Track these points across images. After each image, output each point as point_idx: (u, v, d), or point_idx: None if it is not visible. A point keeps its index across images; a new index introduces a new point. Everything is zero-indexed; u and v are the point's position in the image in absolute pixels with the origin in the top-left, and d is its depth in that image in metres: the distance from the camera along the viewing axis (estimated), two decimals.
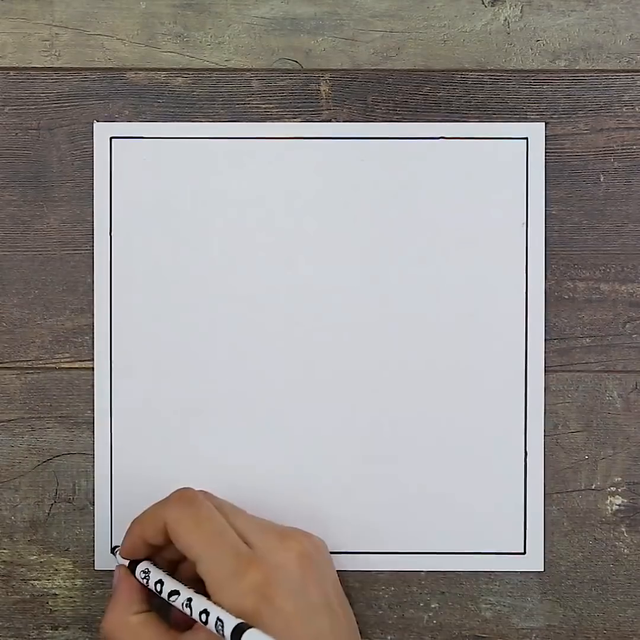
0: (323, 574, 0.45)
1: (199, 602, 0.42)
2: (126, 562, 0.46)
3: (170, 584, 0.43)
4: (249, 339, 0.48)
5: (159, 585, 0.44)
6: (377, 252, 0.48)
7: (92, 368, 0.48)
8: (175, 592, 0.43)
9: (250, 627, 0.39)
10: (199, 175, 0.48)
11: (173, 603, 0.43)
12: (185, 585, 0.43)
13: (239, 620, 0.40)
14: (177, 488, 0.45)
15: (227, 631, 0.40)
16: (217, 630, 0.40)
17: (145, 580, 0.44)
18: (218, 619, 0.40)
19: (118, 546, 0.47)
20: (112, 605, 0.45)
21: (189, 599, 0.42)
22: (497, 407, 0.48)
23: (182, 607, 0.42)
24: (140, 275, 0.48)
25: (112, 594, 0.45)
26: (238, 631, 0.39)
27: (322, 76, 0.49)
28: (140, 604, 0.45)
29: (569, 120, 0.49)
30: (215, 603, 0.41)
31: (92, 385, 0.48)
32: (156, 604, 0.45)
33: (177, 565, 0.46)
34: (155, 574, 0.44)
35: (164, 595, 0.43)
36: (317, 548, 0.45)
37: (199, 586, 0.43)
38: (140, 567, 0.45)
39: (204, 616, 0.41)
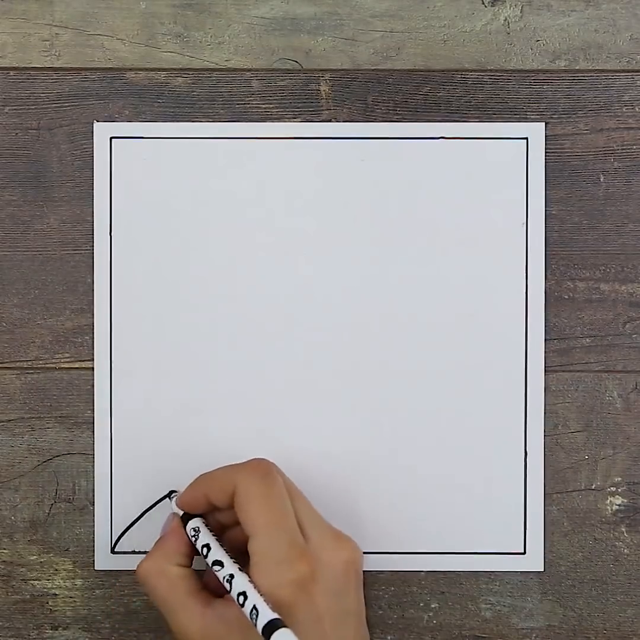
0: (360, 582, 0.46)
1: (240, 582, 0.41)
2: (180, 512, 0.45)
3: (216, 552, 0.43)
4: (249, 339, 0.48)
5: (205, 549, 0.44)
6: (377, 252, 0.48)
7: (92, 368, 0.48)
8: (219, 563, 0.43)
9: (284, 625, 0.39)
10: (199, 175, 0.48)
11: (214, 572, 0.43)
12: (231, 556, 0.43)
13: (275, 616, 0.40)
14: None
15: (260, 623, 0.40)
16: (250, 617, 0.40)
17: (193, 539, 0.44)
18: (254, 606, 0.40)
19: (175, 492, 0.47)
20: (155, 550, 0.45)
21: (231, 575, 0.42)
22: (497, 407, 0.48)
23: (222, 580, 0.42)
24: (140, 275, 0.48)
25: (159, 539, 0.45)
26: (271, 626, 0.39)
27: (322, 76, 0.49)
28: (184, 557, 0.45)
29: (569, 120, 0.49)
30: (255, 582, 0.41)
31: (92, 385, 0.48)
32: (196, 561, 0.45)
33: (225, 530, 0.46)
34: (204, 537, 0.44)
35: (208, 561, 0.43)
36: (360, 556, 0.46)
37: (241, 558, 0.43)
38: (192, 524, 0.45)
39: (241, 598, 0.41)
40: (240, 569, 0.42)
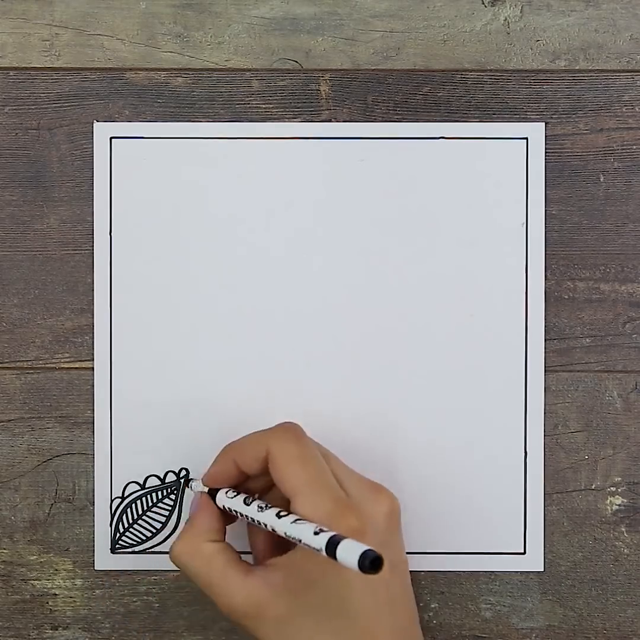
0: (401, 536, 0.45)
1: (290, 516, 0.41)
2: (206, 490, 0.45)
3: (258, 501, 0.43)
4: (249, 339, 0.48)
5: (248, 499, 0.43)
6: (376, 252, 0.48)
7: (92, 368, 0.48)
8: (267, 506, 0.42)
9: (345, 538, 0.38)
10: (199, 176, 0.48)
11: (261, 518, 0.42)
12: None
13: (334, 532, 0.39)
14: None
15: (322, 541, 0.38)
16: (313, 536, 0.39)
17: (230, 502, 0.43)
18: (314, 531, 0.39)
19: (192, 479, 0.47)
20: (187, 529, 0.44)
21: (279, 513, 0.41)
22: (497, 407, 0.48)
23: (276, 518, 0.41)
24: (140, 275, 0.48)
25: (189, 519, 0.45)
26: (334, 542, 0.38)
27: (322, 76, 0.49)
28: (216, 533, 0.44)
29: (569, 120, 0.49)
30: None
31: (92, 385, 0.48)
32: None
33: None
34: (241, 495, 0.43)
35: (253, 507, 0.42)
36: (399, 505, 0.45)
37: None
38: (221, 494, 0.44)
39: (294, 528, 0.40)
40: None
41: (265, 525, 0.42)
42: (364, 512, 0.42)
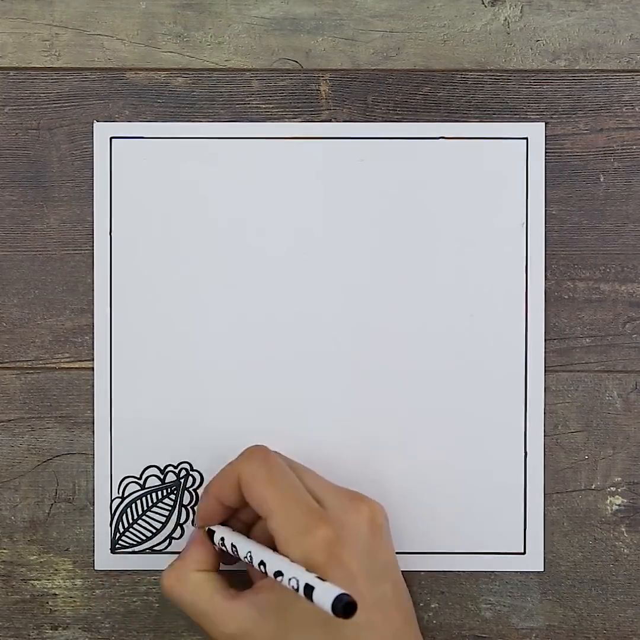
0: (388, 540, 0.45)
1: (273, 562, 0.41)
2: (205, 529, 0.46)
3: (245, 547, 0.43)
4: (249, 338, 0.48)
5: (234, 550, 0.44)
6: (376, 253, 0.48)
7: (92, 368, 0.48)
8: (250, 554, 0.43)
9: (323, 580, 0.39)
10: (199, 175, 0.48)
11: (248, 565, 0.43)
12: (260, 544, 0.43)
13: (313, 576, 0.40)
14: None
15: (301, 587, 0.40)
16: (292, 589, 0.40)
17: (223, 548, 0.44)
18: (293, 577, 0.40)
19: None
20: (178, 559, 0.45)
21: (262, 560, 0.42)
22: (497, 407, 0.48)
23: (258, 568, 0.42)
24: (140, 275, 0.48)
25: (182, 550, 0.45)
26: (310, 587, 0.39)
27: (322, 76, 0.49)
28: (206, 564, 0.45)
29: (569, 120, 0.49)
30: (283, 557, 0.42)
31: (92, 385, 0.48)
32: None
33: (251, 527, 0.46)
34: (230, 538, 0.44)
35: (242, 559, 0.43)
36: (384, 514, 0.45)
37: (273, 546, 0.43)
38: (218, 534, 0.45)
39: (279, 578, 0.41)
40: (273, 552, 0.42)
41: (254, 565, 0.43)
42: (341, 521, 0.43)
